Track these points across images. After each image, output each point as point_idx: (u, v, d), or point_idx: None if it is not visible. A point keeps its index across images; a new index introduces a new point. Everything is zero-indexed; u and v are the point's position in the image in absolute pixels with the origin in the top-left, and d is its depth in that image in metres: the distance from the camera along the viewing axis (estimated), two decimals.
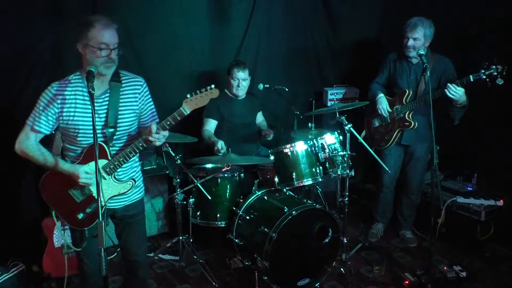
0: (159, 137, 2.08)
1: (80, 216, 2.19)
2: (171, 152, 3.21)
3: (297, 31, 4.39)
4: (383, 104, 3.56)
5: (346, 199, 3.32)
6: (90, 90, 1.94)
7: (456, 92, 3.11)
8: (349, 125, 3.18)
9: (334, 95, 4.47)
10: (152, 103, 2.35)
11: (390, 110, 3.57)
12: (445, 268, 3.20)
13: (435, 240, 3.50)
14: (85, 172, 2.12)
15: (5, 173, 3.23)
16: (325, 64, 4.63)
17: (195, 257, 3.41)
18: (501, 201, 3.54)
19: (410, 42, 3.35)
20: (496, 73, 3.01)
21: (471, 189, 3.80)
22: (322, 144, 3.27)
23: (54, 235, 3.11)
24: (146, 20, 3.66)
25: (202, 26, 3.93)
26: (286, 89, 3.87)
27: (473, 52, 3.70)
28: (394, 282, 3.22)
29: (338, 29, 4.55)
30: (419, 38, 3.32)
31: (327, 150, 3.26)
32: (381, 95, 3.60)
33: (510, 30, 3.55)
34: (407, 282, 3.13)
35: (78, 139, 2.17)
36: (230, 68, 3.68)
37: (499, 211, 3.56)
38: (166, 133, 2.12)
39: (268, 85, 3.84)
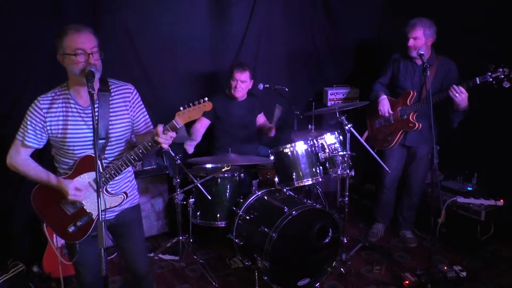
0: (167, 138, 2.02)
1: (71, 229, 2.14)
2: (171, 152, 3.21)
3: (297, 31, 4.39)
4: (384, 106, 3.56)
5: (346, 199, 3.33)
6: (90, 90, 1.90)
7: (459, 93, 3.11)
8: (349, 125, 3.18)
9: (334, 95, 4.48)
10: (144, 110, 2.28)
11: (391, 112, 3.56)
12: (445, 268, 3.20)
13: (435, 240, 3.51)
14: (75, 188, 2.07)
15: (5, 173, 3.23)
16: (325, 64, 4.63)
17: (195, 257, 3.41)
18: (501, 201, 3.54)
19: (411, 42, 3.36)
20: (503, 76, 3.01)
21: (471, 189, 3.81)
22: (322, 144, 3.28)
23: (54, 236, 3.11)
24: (146, 20, 3.66)
25: (202, 26, 3.93)
26: (286, 89, 3.87)
27: (474, 54, 3.69)
28: (394, 282, 3.22)
29: (338, 29, 4.55)
30: (419, 37, 3.32)
31: (327, 150, 3.26)
32: (384, 96, 3.59)
33: None
34: (407, 282, 3.13)
35: (69, 151, 2.11)
36: (231, 68, 3.67)
37: (499, 211, 3.56)
38: (174, 134, 2.05)
39: (268, 85, 3.84)
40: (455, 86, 3.15)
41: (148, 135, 2.10)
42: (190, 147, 3.66)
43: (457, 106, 3.22)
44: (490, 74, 3.05)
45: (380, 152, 3.63)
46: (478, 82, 3.09)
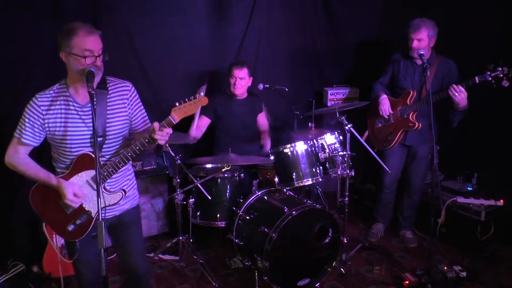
0: (163, 134, 2.02)
1: (70, 227, 2.14)
2: (171, 152, 3.21)
3: (297, 31, 4.39)
4: (385, 105, 3.57)
5: (346, 199, 3.33)
6: (90, 90, 1.90)
7: (458, 92, 3.12)
8: (349, 125, 3.19)
9: (334, 95, 4.48)
10: (142, 107, 2.29)
11: (391, 112, 3.57)
12: (445, 268, 3.20)
13: (435, 240, 3.51)
14: (74, 194, 2.07)
15: (4, 173, 3.23)
16: (325, 64, 4.63)
17: (195, 257, 3.41)
18: (501, 201, 3.54)
19: (415, 44, 3.35)
20: (502, 75, 3.02)
21: (471, 189, 3.80)
22: (322, 144, 3.27)
23: (54, 236, 3.11)
24: (146, 20, 3.65)
25: (202, 26, 3.93)
26: (286, 89, 3.87)
27: (475, 53, 3.69)
28: (394, 282, 3.22)
29: (338, 29, 4.55)
30: (423, 39, 3.33)
31: (327, 150, 3.26)
32: (384, 96, 3.60)
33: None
34: (407, 282, 3.13)
35: (67, 149, 2.11)
36: (229, 67, 3.68)
37: (499, 211, 3.57)
38: (170, 130, 2.05)
39: (268, 85, 3.84)
40: (454, 85, 3.15)
41: (146, 132, 2.11)
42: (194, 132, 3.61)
43: (457, 106, 3.22)
44: (489, 73, 3.05)
45: (380, 152, 3.63)
46: (477, 81, 3.09)
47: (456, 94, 3.14)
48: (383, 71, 3.73)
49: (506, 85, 3.02)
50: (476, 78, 3.10)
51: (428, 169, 3.70)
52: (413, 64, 3.51)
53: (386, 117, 3.60)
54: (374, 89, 3.73)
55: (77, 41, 1.97)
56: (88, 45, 1.98)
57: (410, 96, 3.47)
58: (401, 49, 3.56)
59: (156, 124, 2.01)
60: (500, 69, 3.02)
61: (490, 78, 3.05)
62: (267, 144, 3.89)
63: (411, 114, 3.48)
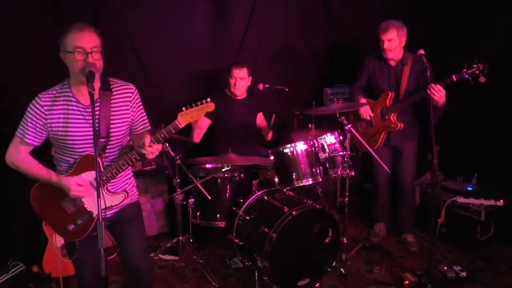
0: (153, 151, 2.04)
1: (71, 227, 2.14)
2: (171, 152, 3.21)
3: (297, 31, 4.40)
4: (365, 109, 3.58)
5: (346, 199, 3.33)
6: (90, 90, 1.90)
7: (437, 91, 3.12)
8: (349, 125, 3.19)
9: (334, 95, 4.48)
10: (143, 110, 2.29)
11: (372, 114, 3.58)
12: (445, 268, 3.20)
13: (435, 240, 3.50)
14: (77, 184, 2.07)
15: (5, 173, 3.23)
16: (325, 64, 4.63)
17: (195, 257, 3.41)
18: (501, 201, 3.54)
19: (386, 44, 3.38)
20: (478, 72, 3.04)
21: (471, 189, 3.81)
22: (322, 144, 3.28)
23: (54, 236, 3.11)
24: (146, 20, 3.66)
25: (202, 26, 3.93)
26: (286, 89, 3.87)
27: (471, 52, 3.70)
28: (394, 282, 3.22)
29: (338, 29, 4.56)
30: (393, 39, 3.36)
31: (327, 150, 3.26)
32: (363, 100, 3.62)
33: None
34: (407, 282, 3.13)
35: (70, 149, 2.11)
36: (229, 67, 3.69)
37: (499, 211, 3.57)
38: (159, 146, 2.07)
39: (268, 85, 3.84)
40: (433, 85, 3.15)
41: (145, 134, 2.11)
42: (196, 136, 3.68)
43: (436, 104, 3.23)
44: (465, 70, 3.07)
45: (369, 155, 3.62)
46: (454, 79, 3.11)
47: (435, 93, 3.14)
48: (359, 74, 3.72)
49: (483, 81, 3.03)
50: (453, 76, 3.11)
51: (416, 167, 3.70)
52: (387, 66, 3.53)
53: (368, 120, 3.60)
54: (352, 93, 3.74)
55: (69, 38, 1.99)
56: (78, 42, 1.98)
57: (389, 97, 3.49)
58: (375, 51, 3.56)
59: (146, 140, 2.01)
60: (475, 65, 3.04)
61: (467, 75, 3.07)
62: (269, 134, 3.86)
63: (392, 115, 3.49)
